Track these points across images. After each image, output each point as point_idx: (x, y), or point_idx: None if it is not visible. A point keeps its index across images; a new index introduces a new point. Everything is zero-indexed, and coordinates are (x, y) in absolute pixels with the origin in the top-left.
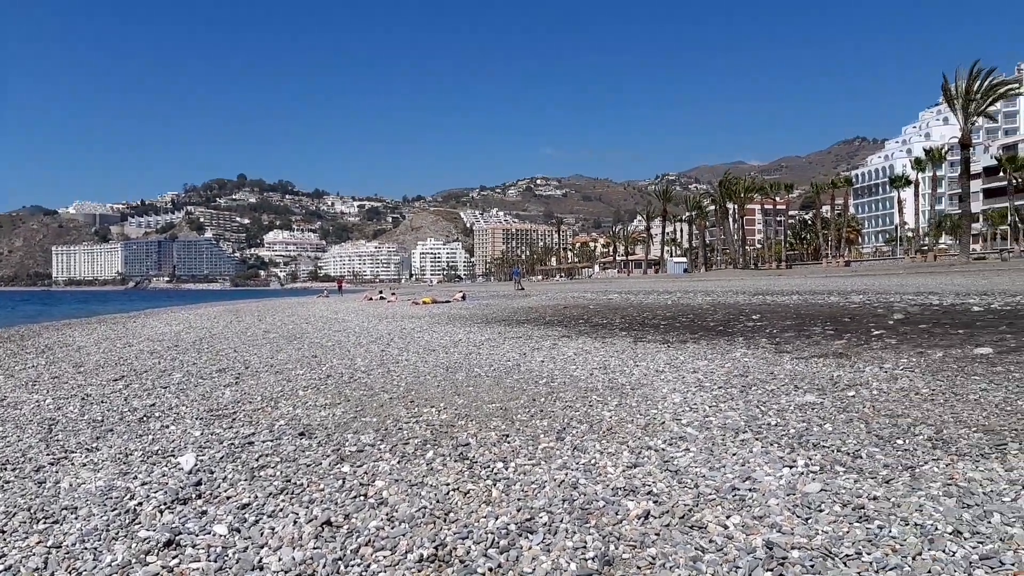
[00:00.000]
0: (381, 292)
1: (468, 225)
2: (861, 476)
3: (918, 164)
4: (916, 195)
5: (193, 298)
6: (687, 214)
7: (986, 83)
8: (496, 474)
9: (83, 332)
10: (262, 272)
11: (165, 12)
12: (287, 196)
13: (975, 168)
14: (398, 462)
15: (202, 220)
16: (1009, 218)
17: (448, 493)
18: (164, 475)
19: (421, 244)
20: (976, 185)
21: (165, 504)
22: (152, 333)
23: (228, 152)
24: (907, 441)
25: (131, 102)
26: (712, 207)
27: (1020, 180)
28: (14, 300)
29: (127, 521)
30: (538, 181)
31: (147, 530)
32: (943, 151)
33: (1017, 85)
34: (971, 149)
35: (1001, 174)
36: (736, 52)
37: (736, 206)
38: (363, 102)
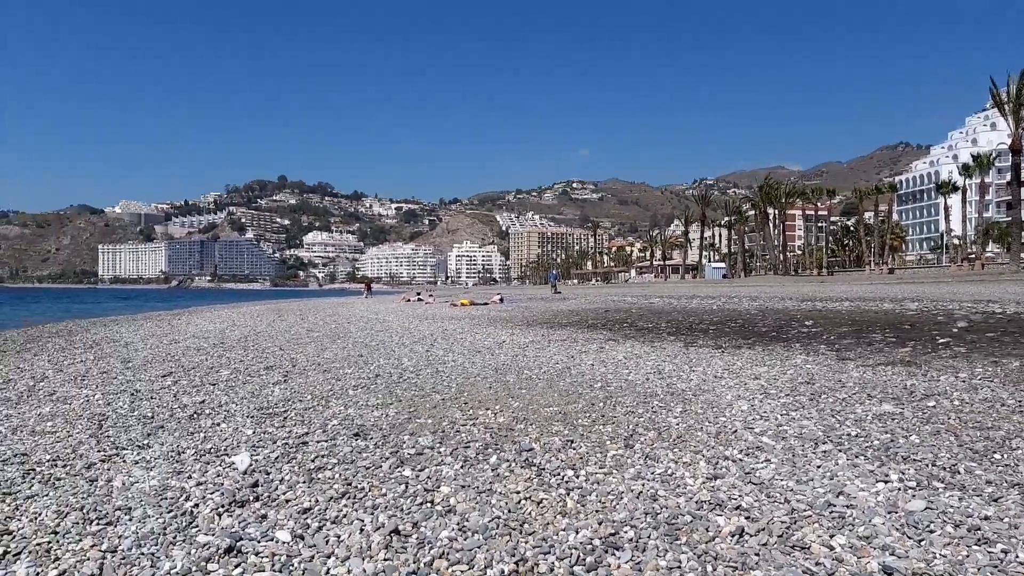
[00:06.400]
0: (419, 294)
1: (504, 228)
2: (965, 494)
3: (966, 170)
4: (963, 202)
5: (234, 297)
6: (726, 219)
7: None
8: (567, 483)
9: (130, 328)
10: (301, 273)
11: (205, 13)
12: (326, 198)
13: None
14: (461, 467)
15: (243, 220)
16: None
17: (519, 502)
18: (219, 475)
19: (457, 247)
20: None
21: (223, 507)
22: (197, 330)
23: (269, 153)
24: (1005, 456)
25: (175, 102)
26: (752, 212)
27: None
28: (62, 297)
29: (184, 524)
30: (574, 184)
31: (206, 535)
32: (991, 157)
33: None
34: (1021, 155)
35: None
36: (776, 55)
37: (776, 211)
38: (402, 105)
